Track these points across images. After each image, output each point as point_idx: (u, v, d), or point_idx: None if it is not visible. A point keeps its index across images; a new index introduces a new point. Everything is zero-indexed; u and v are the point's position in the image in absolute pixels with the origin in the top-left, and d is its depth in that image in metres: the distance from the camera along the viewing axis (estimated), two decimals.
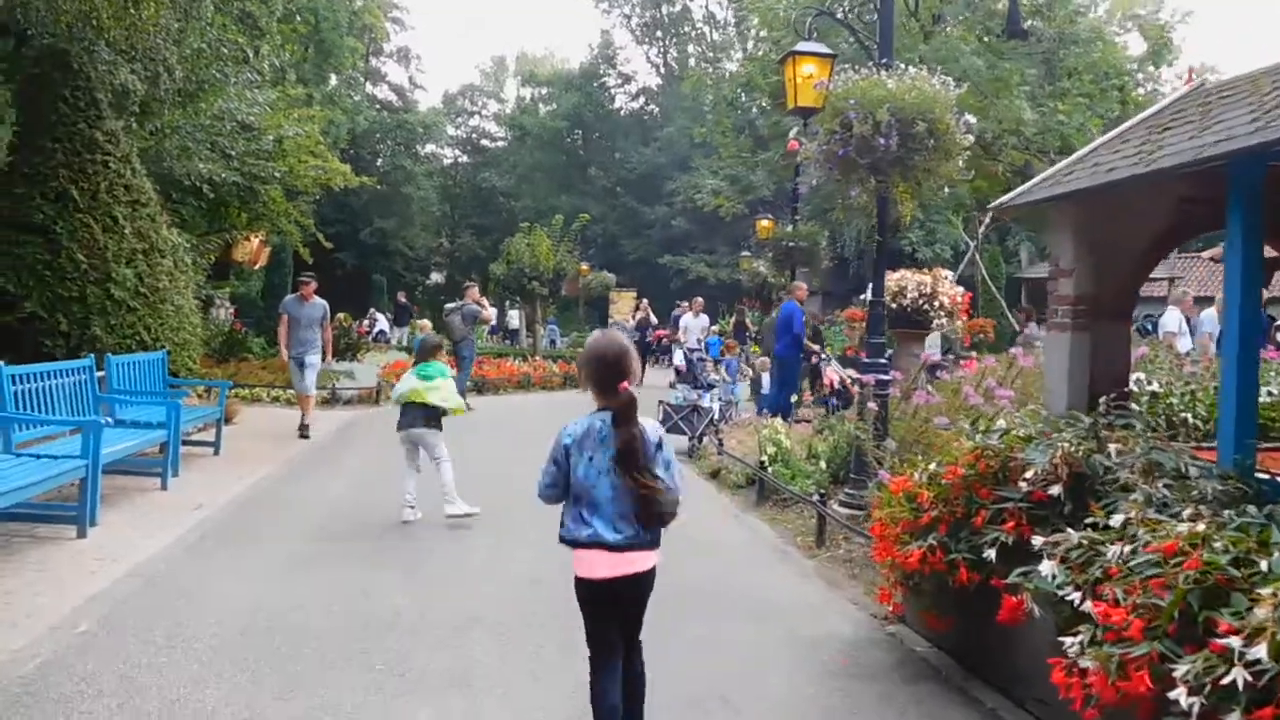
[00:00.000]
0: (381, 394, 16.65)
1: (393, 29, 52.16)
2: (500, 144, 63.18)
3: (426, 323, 28.45)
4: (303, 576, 6.18)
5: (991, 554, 3.90)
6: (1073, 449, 3.98)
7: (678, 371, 13.43)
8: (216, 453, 10.62)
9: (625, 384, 3.50)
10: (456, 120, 62.68)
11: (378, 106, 52.94)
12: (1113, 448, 4.01)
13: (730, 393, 13.93)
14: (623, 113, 59.83)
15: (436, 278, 59.43)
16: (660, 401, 12.10)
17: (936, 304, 9.41)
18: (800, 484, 8.42)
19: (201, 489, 8.72)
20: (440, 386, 7.75)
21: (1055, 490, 3.90)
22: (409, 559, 6.71)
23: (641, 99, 59.70)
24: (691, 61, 56.38)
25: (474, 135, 63.86)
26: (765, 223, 20.69)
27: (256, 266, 27.94)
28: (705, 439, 11.68)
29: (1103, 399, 4.49)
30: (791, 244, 19.48)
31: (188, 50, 16.23)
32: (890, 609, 5.25)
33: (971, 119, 7.55)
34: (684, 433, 11.83)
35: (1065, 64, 16.21)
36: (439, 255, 58.37)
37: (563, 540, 3.56)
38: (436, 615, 5.44)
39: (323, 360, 12.83)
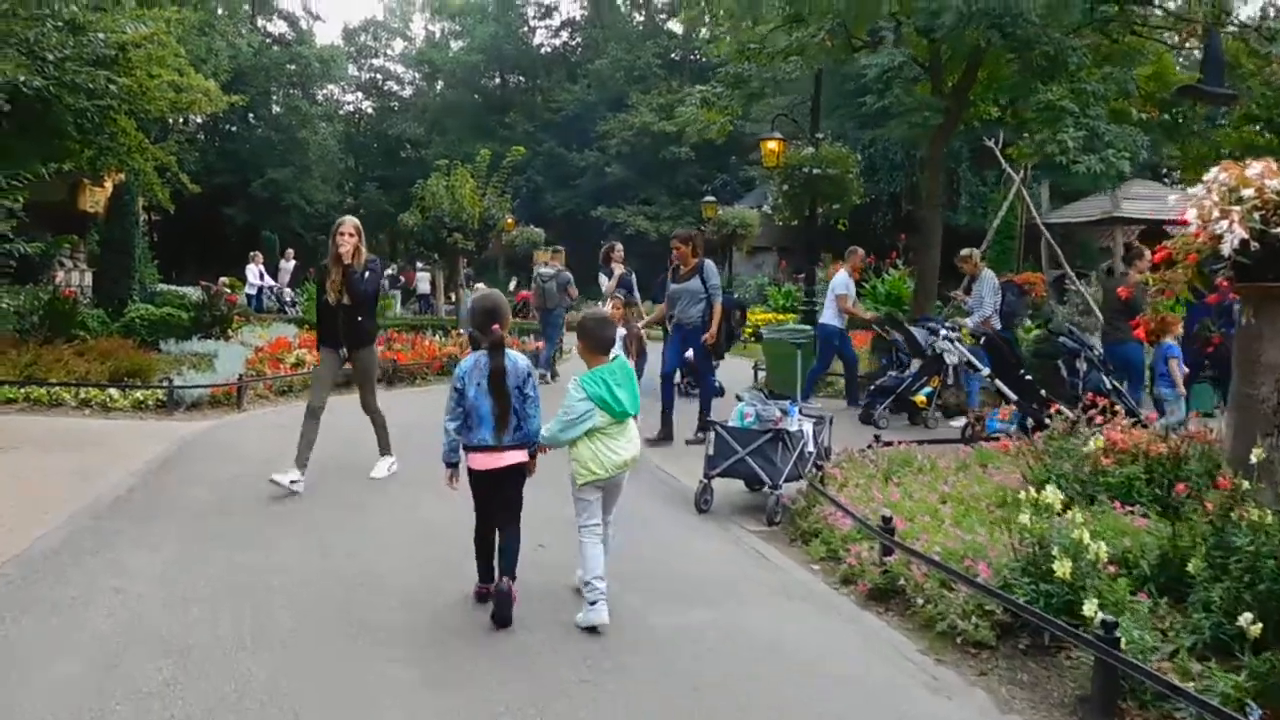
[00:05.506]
0: (245, 393, 11.23)
1: None
2: (408, 88, 56.96)
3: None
4: None
5: None
6: None
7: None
8: None
9: (496, 325, 4.70)
10: (359, 60, 56.15)
11: (268, 40, 46.39)
12: None
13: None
14: (543, 50, 54.01)
15: None
16: (711, 424, 6.95)
17: None
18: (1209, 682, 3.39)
19: None
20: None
21: None
22: None
23: (565, 33, 53.84)
24: None
25: (378, 78, 57.36)
26: (773, 145, 15.55)
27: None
28: (805, 486, 6.65)
29: None
30: (816, 171, 14.56)
31: None
32: None
33: None
34: (759, 479, 6.73)
35: None
36: (342, 212, 51.97)
37: (455, 453, 4.74)
38: None
39: None
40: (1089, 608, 3.69)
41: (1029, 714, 3.73)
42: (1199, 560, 4.01)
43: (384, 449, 7.76)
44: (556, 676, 3.99)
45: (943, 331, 10.40)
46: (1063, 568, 3.99)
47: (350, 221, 7.34)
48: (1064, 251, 20.04)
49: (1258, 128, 12.82)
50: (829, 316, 11.85)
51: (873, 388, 11.06)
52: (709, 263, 9.51)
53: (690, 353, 9.94)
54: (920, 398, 10.63)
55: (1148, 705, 3.49)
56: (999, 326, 11.10)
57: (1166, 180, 26.17)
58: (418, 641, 4.34)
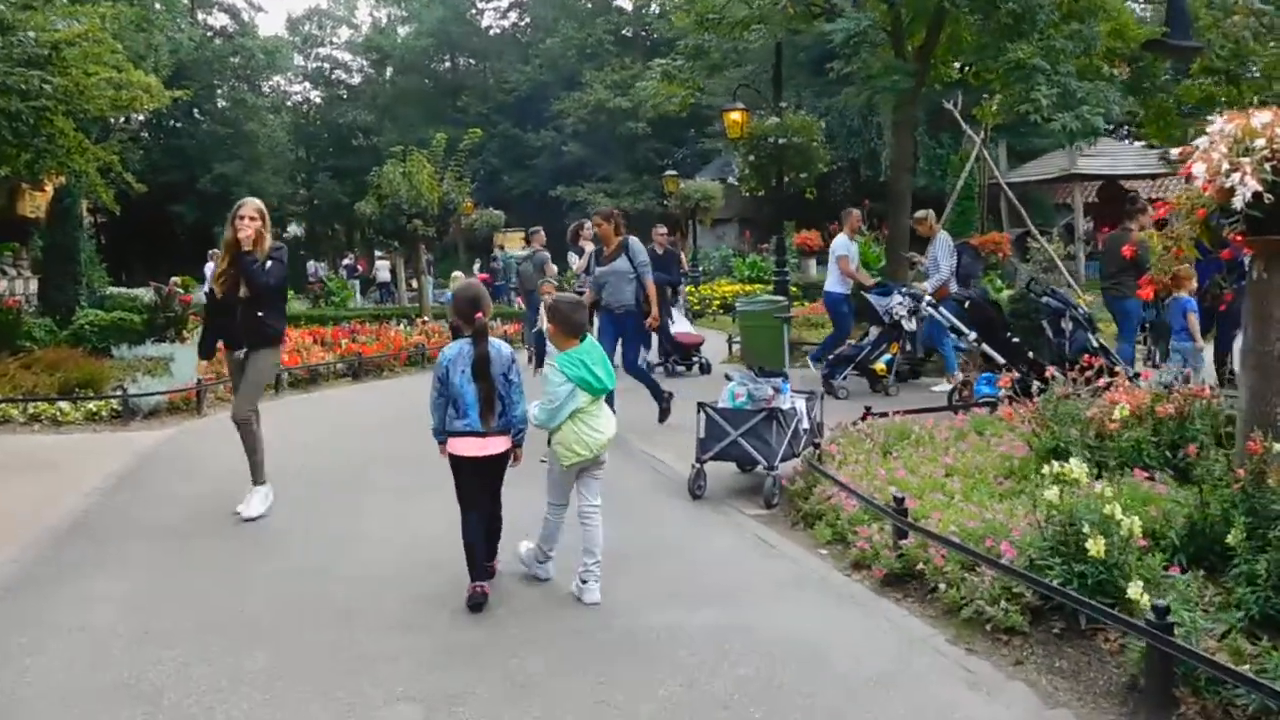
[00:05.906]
0: (205, 397, 10.81)
1: None
2: (357, 76, 56.02)
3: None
4: None
5: None
6: None
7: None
8: None
9: (480, 314, 4.72)
10: (305, 50, 55.10)
11: (209, 33, 45.38)
12: None
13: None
14: (492, 32, 53.34)
15: (295, 230, 52.32)
16: (700, 405, 6.67)
17: None
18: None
19: None
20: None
21: None
22: None
23: (514, 13, 53.14)
24: None
25: (326, 67, 56.33)
26: (736, 116, 15.26)
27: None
28: (802, 465, 6.40)
29: None
30: (782, 140, 14.29)
31: None
32: None
33: None
34: (753, 460, 6.49)
35: None
36: (295, 204, 51.11)
37: (444, 431, 4.77)
38: None
39: None
40: (1134, 590, 3.44)
41: (1077, 707, 3.44)
42: (1239, 531, 3.76)
43: (257, 476, 6.55)
44: (577, 698, 3.67)
45: (925, 299, 10.18)
46: (1096, 546, 3.74)
47: (252, 203, 6.36)
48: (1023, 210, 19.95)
49: (1214, 79, 12.69)
50: (833, 283, 11.57)
51: (831, 357, 10.85)
52: (633, 240, 9.05)
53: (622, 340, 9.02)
54: (880, 365, 10.46)
55: (1202, 691, 3.24)
56: (954, 289, 10.91)
57: (1114, 136, 26.16)
58: (414, 669, 3.93)
